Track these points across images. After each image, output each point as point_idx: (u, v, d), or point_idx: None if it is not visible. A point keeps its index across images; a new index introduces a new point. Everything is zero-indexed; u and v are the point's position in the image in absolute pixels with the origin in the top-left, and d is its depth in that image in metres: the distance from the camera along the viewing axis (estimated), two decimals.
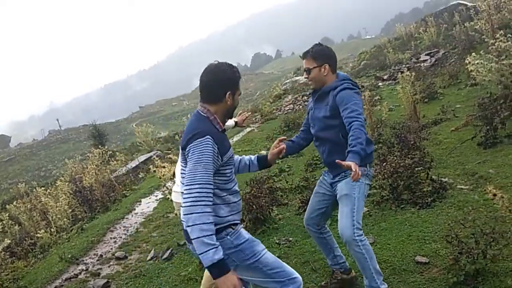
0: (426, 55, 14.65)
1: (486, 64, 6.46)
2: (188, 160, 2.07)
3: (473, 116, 6.58)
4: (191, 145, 2.06)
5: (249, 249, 2.18)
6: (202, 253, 1.91)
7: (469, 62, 6.88)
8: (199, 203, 1.95)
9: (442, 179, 4.70)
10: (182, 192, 2.03)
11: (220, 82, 2.18)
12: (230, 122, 3.22)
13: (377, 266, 2.73)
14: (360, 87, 2.97)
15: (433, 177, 4.68)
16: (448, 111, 7.82)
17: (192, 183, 1.99)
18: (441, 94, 9.62)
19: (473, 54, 7.08)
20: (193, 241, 1.93)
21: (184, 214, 1.96)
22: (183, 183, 2.09)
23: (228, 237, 2.14)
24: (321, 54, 2.79)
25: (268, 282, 2.17)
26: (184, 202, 1.98)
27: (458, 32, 14.13)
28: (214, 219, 2.01)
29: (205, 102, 2.21)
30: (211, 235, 1.93)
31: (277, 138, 3.00)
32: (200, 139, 2.04)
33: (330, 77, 2.80)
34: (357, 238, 2.61)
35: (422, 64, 13.81)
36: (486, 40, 9.37)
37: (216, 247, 1.92)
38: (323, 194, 2.98)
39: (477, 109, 6.38)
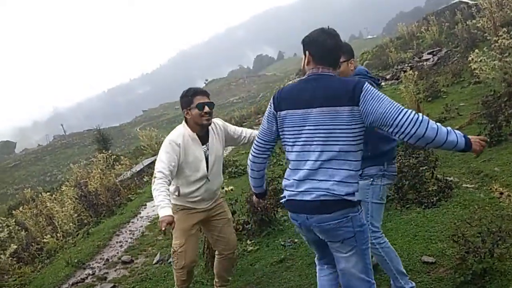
0: (428, 54, 14.61)
1: (489, 62, 6.44)
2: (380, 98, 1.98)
3: (477, 114, 6.56)
4: (366, 86, 2.01)
5: (367, 234, 2.14)
6: None
7: (472, 60, 6.86)
8: None
9: (447, 178, 4.68)
10: None
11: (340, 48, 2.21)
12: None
13: (400, 267, 2.72)
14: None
15: (438, 176, 4.66)
16: (452, 110, 7.80)
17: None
18: (445, 93, 9.58)
19: (476, 51, 7.06)
20: None
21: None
22: None
23: (360, 213, 2.10)
24: (348, 49, 2.67)
25: (362, 275, 2.12)
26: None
27: (460, 30, 14.08)
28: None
29: (329, 67, 2.13)
30: None
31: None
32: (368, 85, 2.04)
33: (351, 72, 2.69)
34: (374, 241, 2.60)
35: (424, 63, 13.77)
36: (488, 38, 9.33)
37: None
38: None
39: (481, 107, 6.35)
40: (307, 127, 2.08)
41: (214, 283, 3.54)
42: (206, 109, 2.93)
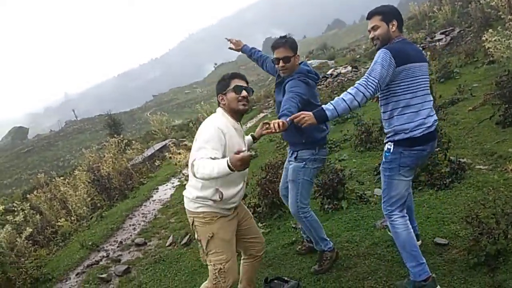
0: (441, 34, 14.28)
1: (504, 41, 6.28)
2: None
3: (491, 94, 6.43)
4: None
5: None
6: None
7: (486, 39, 6.70)
8: None
9: (460, 159, 4.62)
10: None
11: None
12: (248, 138, 3.15)
13: (322, 234, 3.34)
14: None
15: (451, 158, 4.61)
16: (465, 91, 7.65)
17: None
18: (458, 74, 9.39)
19: (490, 31, 6.87)
20: None
21: None
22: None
23: None
24: (296, 46, 3.13)
25: None
26: None
27: (474, 9, 13.68)
28: None
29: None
30: None
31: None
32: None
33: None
34: (301, 215, 3.24)
35: (437, 43, 13.47)
36: (502, 16, 9.08)
37: None
38: (287, 168, 3.37)
39: (495, 87, 6.22)
40: (425, 77, 2.69)
41: None
42: (244, 93, 2.59)
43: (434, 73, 8.69)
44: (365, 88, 2.49)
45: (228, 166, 2.10)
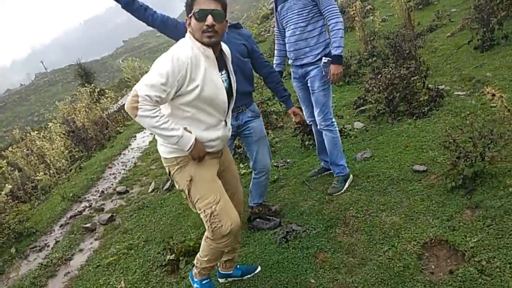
0: None
1: None
2: None
3: (469, 19, 6.30)
4: None
5: None
6: None
7: None
8: None
9: (439, 86, 4.59)
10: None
11: None
12: None
13: None
14: None
15: (429, 85, 4.57)
16: (444, 16, 7.50)
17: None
18: None
19: None
20: None
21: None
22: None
23: None
24: None
25: None
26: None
27: None
28: None
29: None
30: None
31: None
32: None
33: None
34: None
35: None
36: None
37: None
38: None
39: (473, 11, 6.08)
40: None
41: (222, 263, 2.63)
42: (209, 19, 1.95)
43: None
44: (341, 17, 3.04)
45: (189, 147, 1.98)
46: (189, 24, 2.04)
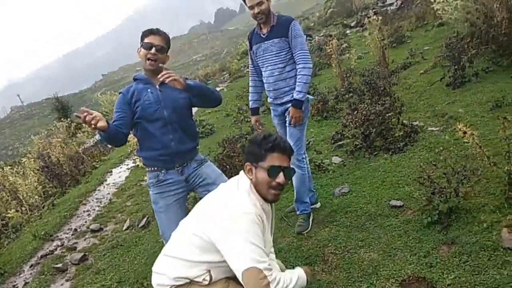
0: None
1: (452, 2, 6.38)
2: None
3: (441, 57, 6.57)
4: None
5: None
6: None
7: (435, 1, 6.78)
8: None
9: (413, 122, 4.71)
10: None
11: None
12: None
13: None
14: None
15: (404, 121, 4.68)
16: (417, 54, 7.80)
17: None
18: (409, 38, 9.57)
19: None
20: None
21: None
22: None
23: None
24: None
25: None
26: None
27: None
28: None
29: None
30: None
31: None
32: None
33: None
34: None
35: (388, 8, 13.67)
36: None
37: None
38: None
39: (445, 49, 6.35)
40: None
41: None
42: (281, 178, 1.93)
43: (386, 38, 8.78)
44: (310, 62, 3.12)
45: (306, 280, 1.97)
46: (252, 173, 1.94)
